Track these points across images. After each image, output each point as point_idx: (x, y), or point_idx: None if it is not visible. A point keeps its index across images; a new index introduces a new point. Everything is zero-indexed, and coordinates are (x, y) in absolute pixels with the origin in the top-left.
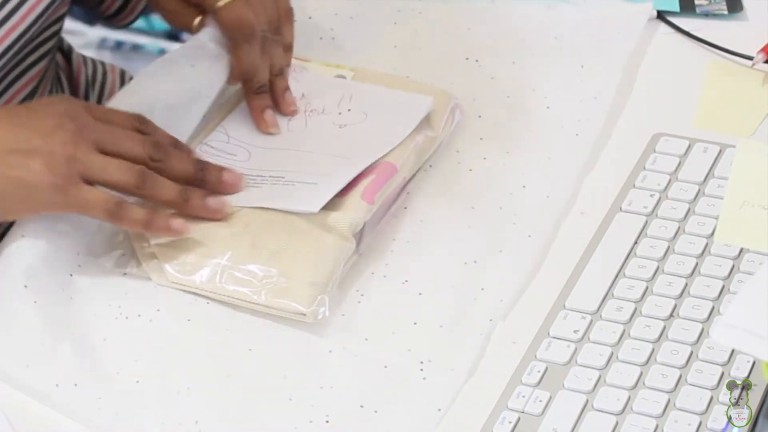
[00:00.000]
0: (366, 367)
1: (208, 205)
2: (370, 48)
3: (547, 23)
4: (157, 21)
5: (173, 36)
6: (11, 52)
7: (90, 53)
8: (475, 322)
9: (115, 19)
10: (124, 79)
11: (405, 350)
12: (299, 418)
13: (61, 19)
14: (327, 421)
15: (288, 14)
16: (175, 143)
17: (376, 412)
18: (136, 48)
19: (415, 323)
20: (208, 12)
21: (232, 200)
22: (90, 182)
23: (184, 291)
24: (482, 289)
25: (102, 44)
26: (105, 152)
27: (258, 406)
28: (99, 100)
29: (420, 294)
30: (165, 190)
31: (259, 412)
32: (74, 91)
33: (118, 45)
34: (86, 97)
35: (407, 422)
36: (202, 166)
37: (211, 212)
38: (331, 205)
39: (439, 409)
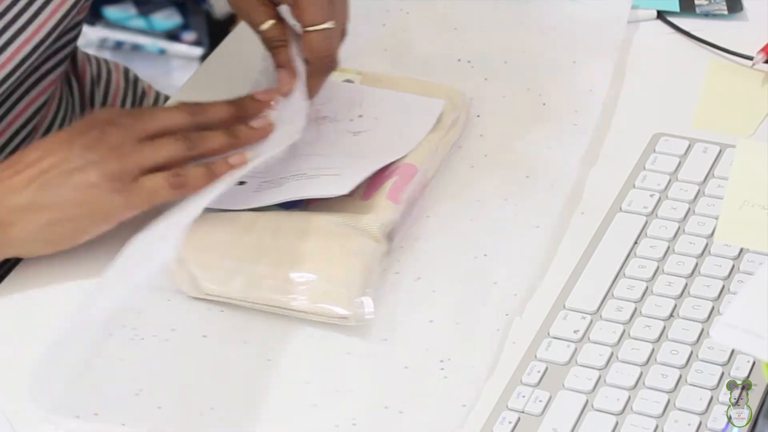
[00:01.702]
0: (386, 367)
1: (257, 127)
2: (362, 51)
3: (537, 20)
4: (157, 21)
5: (173, 36)
6: (29, 62)
7: (90, 53)
8: (490, 317)
9: None
10: (128, 77)
11: (423, 349)
12: (325, 423)
13: (78, 25)
14: (354, 424)
15: (342, 34)
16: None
17: (401, 412)
18: (136, 48)
19: (431, 321)
20: (296, 28)
21: (258, 201)
22: (145, 172)
23: (198, 304)
24: (495, 283)
25: (102, 44)
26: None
27: (283, 416)
28: (104, 99)
29: (433, 291)
30: (214, 139)
31: (285, 423)
32: (80, 90)
33: (118, 45)
34: (92, 96)
35: (433, 421)
36: (234, 131)
37: (262, 132)
38: (360, 208)
39: (464, 405)
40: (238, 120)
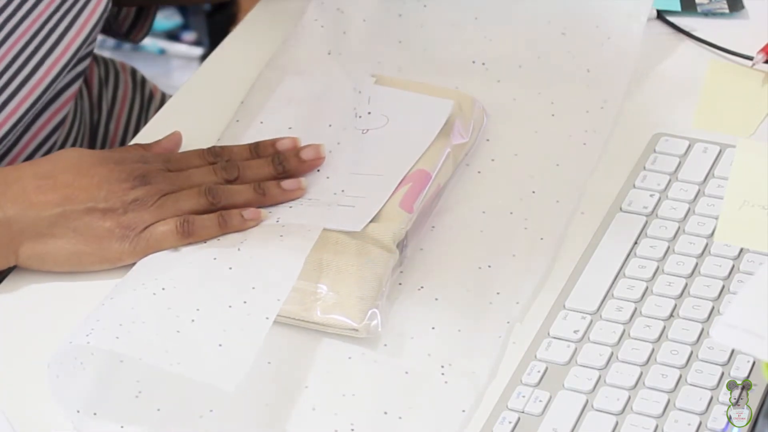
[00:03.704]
0: (387, 373)
1: (286, 188)
2: (376, 43)
3: (554, 21)
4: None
5: (173, 36)
6: (55, 84)
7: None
8: (492, 325)
9: (128, 36)
10: (135, 78)
11: (425, 355)
12: (324, 427)
13: (94, 41)
14: (352, 429)
15: None
16: (254, 148)
17: (400, 418)
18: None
19: (433, 328)
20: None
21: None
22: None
23: None
24: (498, 293)
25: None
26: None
27: (282, 419)
28: (112, 102)
29: (436, 299)
30: (240, 195)
31: (283, 426)
32: (89, 93)
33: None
34: (99, 99)
35: (433, 426)
36: (281, 159)
37: (291, 194)
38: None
39: (464, 411)
40: (279, 177)
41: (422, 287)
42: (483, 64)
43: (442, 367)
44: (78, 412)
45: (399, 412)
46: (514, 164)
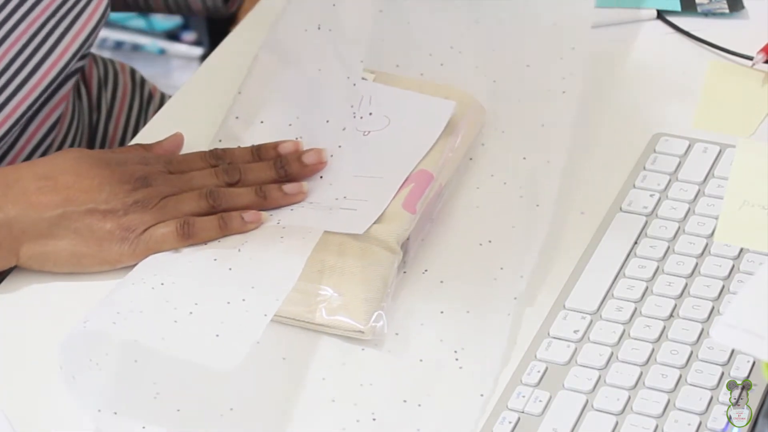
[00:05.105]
0: (401, 362)
1: (287, 192)
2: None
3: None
4: (157, 21)
5: (173, 36)
6: (54, 85)
7: (94, 53)
8: (499, 303)
9: (226, 3)
10: (134, 78)
11: (437, 341)
12: (346, 419)
13: (93, 42)
14: (374, 419)
15: None
16: (256, 151)
17: (419, 405)
18: (136, 48)
19: (441, 312)
20: None
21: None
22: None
23: None
24: (501, 268)
25: (102, 44)
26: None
27: (303, 413)
28: (111, 103)
29: (442, 282)
30: (240, 198)
31: (305, 419)
32: (88, 94)
33: (118, 45)
34: (98, 99)
35: (453, 412)
36: (282, 163)
37: (292, 197)
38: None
39: (482, 395)
40: (281, 181)
41: (426, 270)
42: (460, 52)
43: (455, 352)
44: (99, 411)
45: (418, 400)
46: (503, 141)
